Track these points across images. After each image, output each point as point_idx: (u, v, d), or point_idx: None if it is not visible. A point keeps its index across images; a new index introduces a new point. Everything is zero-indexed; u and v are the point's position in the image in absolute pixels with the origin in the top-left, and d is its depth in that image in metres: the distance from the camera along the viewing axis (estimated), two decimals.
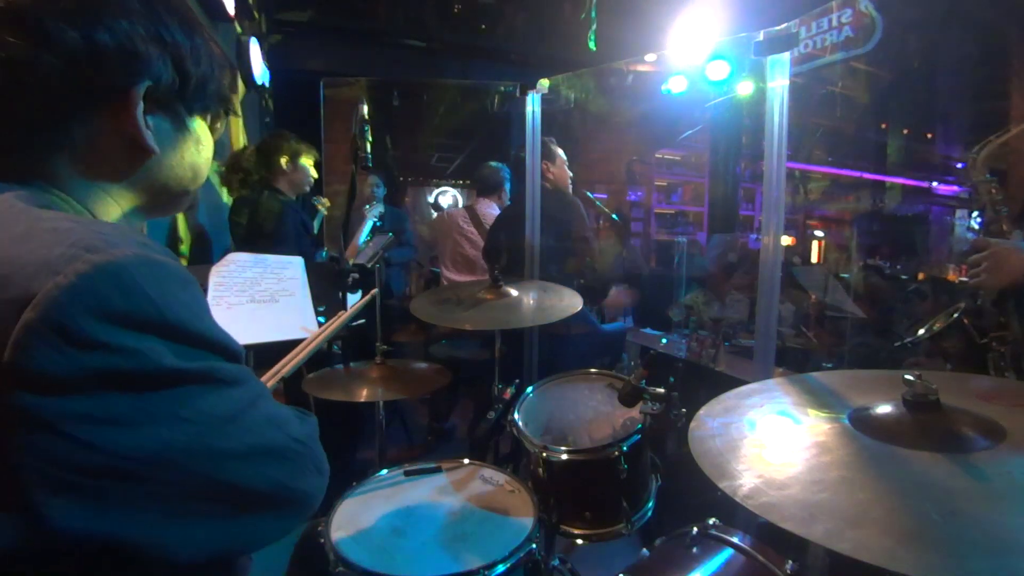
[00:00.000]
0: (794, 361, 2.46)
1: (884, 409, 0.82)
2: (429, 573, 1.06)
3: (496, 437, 1.81)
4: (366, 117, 1.98)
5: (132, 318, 0.44)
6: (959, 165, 4.96)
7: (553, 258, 2.48)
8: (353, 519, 1.21)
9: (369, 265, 2.21)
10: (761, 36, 1.65)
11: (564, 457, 1.36)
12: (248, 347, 1.43)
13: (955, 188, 5.15)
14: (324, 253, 2.75)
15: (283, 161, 2.36)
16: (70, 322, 0.41)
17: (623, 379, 1.33)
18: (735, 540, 1.22)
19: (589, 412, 1.52)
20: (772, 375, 1.68)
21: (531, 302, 1.79)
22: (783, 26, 1.72)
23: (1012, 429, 0.75)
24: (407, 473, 1.40)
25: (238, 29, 3.17)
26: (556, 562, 1.43)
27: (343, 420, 2.37)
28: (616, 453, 1.32)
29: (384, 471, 1.41)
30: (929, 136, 5.29)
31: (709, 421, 0.90)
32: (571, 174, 2.71)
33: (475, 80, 4.83)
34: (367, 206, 3.28)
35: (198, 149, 0.64)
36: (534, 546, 1.16)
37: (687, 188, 5.93)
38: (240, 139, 3.19)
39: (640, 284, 3.32)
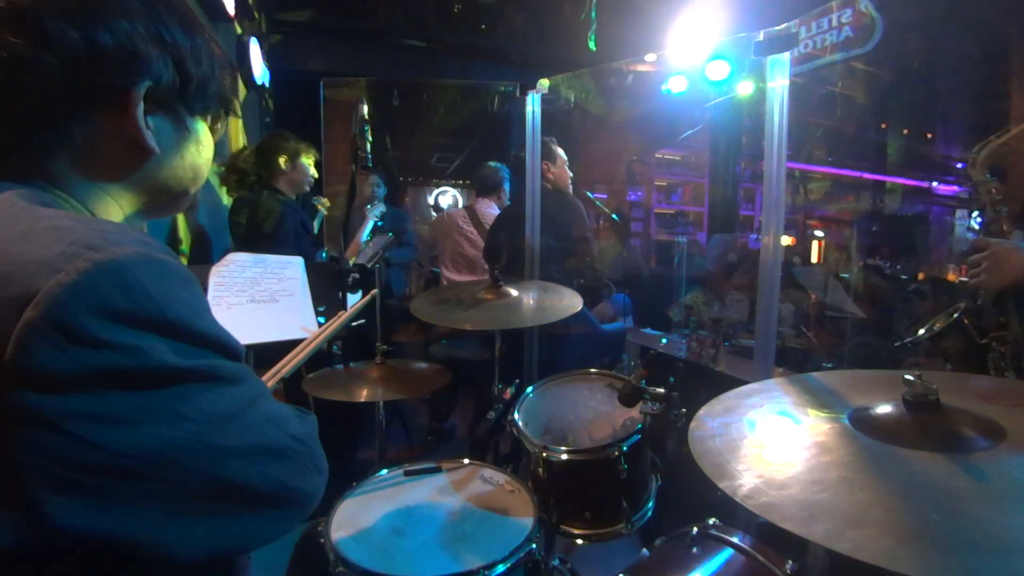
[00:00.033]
0: (794, 361, 2.46)
1: (884, 409, 0.82)
2: (429, 573, 1.06)
3: (496, 437, 1.81)
4: (366, 117, 1.98)
5: (133, 316, 0.44)
6: (959, 165, 4.96)
7: (553, 258, 2.48)
8: (353, 519, 1.21)
9: (369, 265, 2.21)
10: (761, 36, 1.65)
11: (564, 457, 1.36)
12: (248, 347, 1.44)
13: (955, 188, 5.15)
14: (324, 253, 2.75)
15: (282, 161, 2.36)
16: (72, 320, 0.41)
17: (623, 379, 1.33)
18: (735, 540, 1.22)
19: (589, 412, 1.52)
20: (772, 375, 1.68)
21: (531, 302, 1.79)
22: (783, 26, 1.72)
23: (1012, 429, 0.75)
24: (407, 473, 1.40)
25: (238, 29, 3.17)
26: (556, 562, 1.43)
27: (343, 420, 2.37)
28: (616, 453, 1.32)
29: (384, 471, 1.41)
30: (929, 136, 5.29)
31: (709, 421, 0.90)
32: (571, 174, 2.71)
33: (475, 80, 4.83)
34: (368, 206, 3.28)
35: (198, 149, 0.64)
36: (534, 546, 1.16)
37: (687, 188, 5.93)
38: (240, 139, 3.19)
39: (640, 284, 3.32)
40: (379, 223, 3.15)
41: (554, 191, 2.58)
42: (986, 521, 0.60)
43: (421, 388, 1.81)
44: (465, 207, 3.50)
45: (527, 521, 1.20)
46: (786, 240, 4.10)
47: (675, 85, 2.85)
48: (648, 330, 3.09)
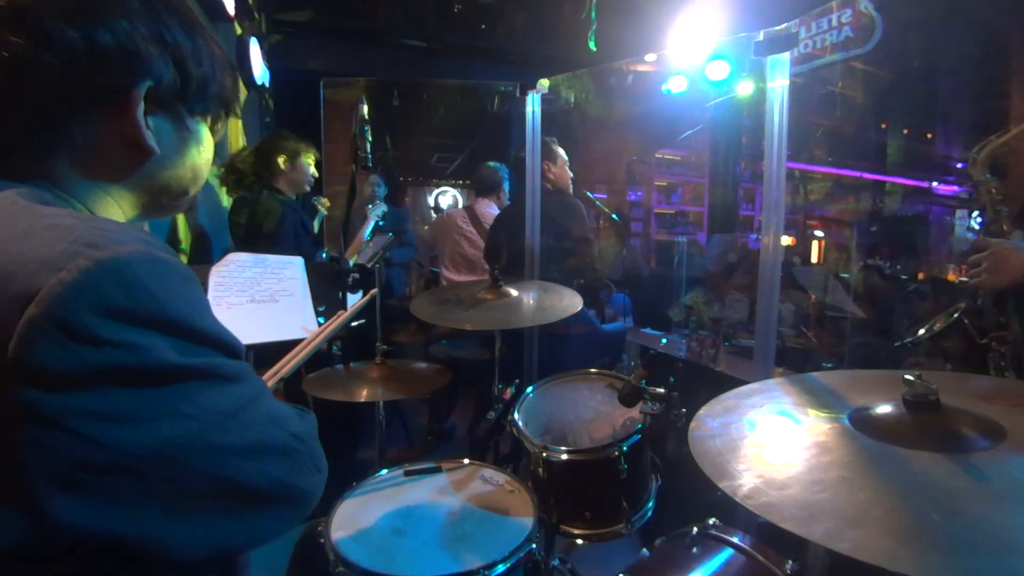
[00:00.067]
0: (794, 361, 2.46)
1: (884, 409, 0.82)
2: (429, 573, 1.06)
3: (496, 437, 1.81)
4: (366, 117, 1.98)
5: (135, 314, 0.44)
6: (959, 165, 4.96)
7: (553, 258, 2.48)
8: (353, 519, 1.21)
9: (369, 265, 2.21)
10: (761, 36, 1.65)
11: (564, 457, 1.36)
12: (248, 347, 1.44)
13: (955, 188, 5.15)
14: (324, 253, 2.75)
15: (281, 160, 2.36)
16: (74, 318, 0.41)
17: (623, 379, 1.33)
18: (735, 540, 1.22)
19: (589, 412, 1.52)
20: (772, 375, 1.68)
21: (531, 302, 1.79)
22: (783, 26, 1.72)
23: (1012, 429, 0.75)
24: (407, 473, 1.40)
25: (238, 29, 3.17)
26: (556, 562, 1.43)
27: (343, 420, 2.37)
28: (616, 453, 1.32)
29: (384, 471, 1.41)
30: (929, 136, 5.29)
31: (709, 421, 0.90)
32: (571, 174, 2.71)
33: (475, 80, 4.83)
34: (370, 205, 3.28)
35: (199, 150, 0.64)
36: (534, 546, 1.16)
37: (687, 188, 5.92)
38: (239, 140, 3.19)
39: (640, 284, 3.32)
40: (380, 223, 3.16)
41: (554, 191, 2.59)
42: (986, 521, 0.60)
43: (421, 388, 1.81)
44: (465, 207, 3.51)
45: (527, 521, 1.20)
46: (786, 240, 4.10)
47: (675, 85, 2.86)
48: (648, 330, 3.09)
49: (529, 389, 1.61)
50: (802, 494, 0.68)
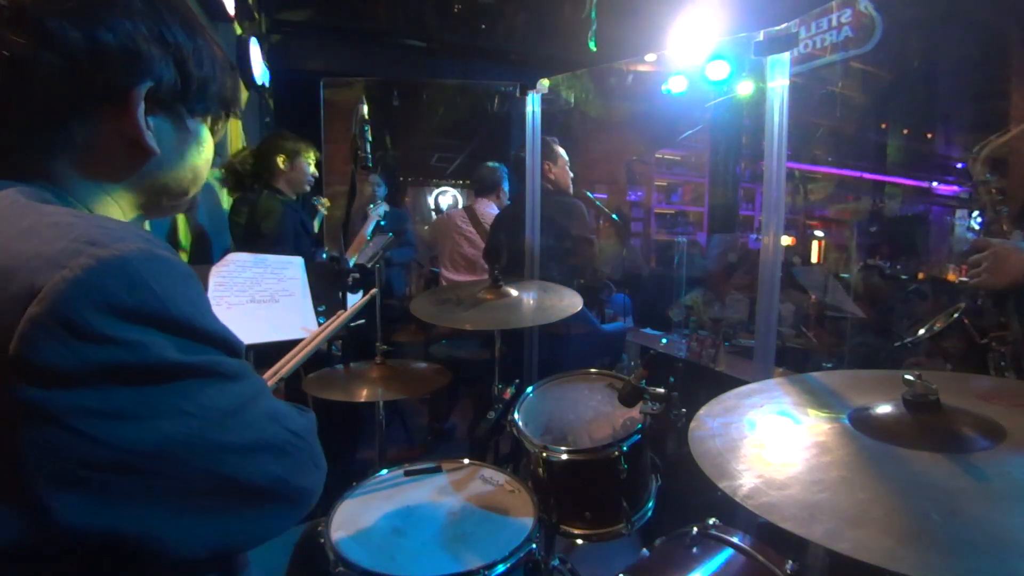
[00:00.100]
0: (794, 361, 2.46)
1: (884, 409, 0.82)
2: (429, 573, 1.06)
3: (496, 437, 1.81)
4: (366, 117, 1.98)
5: (136, 312, 0.44)
6: (959, 165, 4.95)
7: (554, 259, 2.48)
8: (353, 519, 1.21)
9: (369, 265, 2.21)
10: (761, 36, 1.65)
11: (564, 457, 1.36)
12: (248, 347, 1.44)
13: (955, 188, 5.14)
14: (324, 253, 2.75)
15: (281, 160, 2.36)
16: (76, 316, 0.41)
17: (623, 379, 1.33)
18: (735, 540, 1.22)
19: (589, 412, 1.52)
20: (772, 375, 1.68)
21: (531, 302, 1.79)
22: (783, 26, 1.72)
23: (1012, 429, 0.75)
24: (407, 473, 1.40)
25: (238, 29, 3.17)
26: (556, 562, 1.43)
27: (343, 420, 2.37)
28: (616, 453, 1.32)
29: (384, 471, 1.41)
30: (929, 136, 5.29)
31: (709, 421, 0.90)
32: (571, 174, 2.71)
33: (475, 80, 4.83)
34: (371, 205, 3.28)
35: (198, 150, 0.64)
36: (534, 546, 1.16)
37: (687, 188, 5.92)
38: (239, 140, 3.19)
39: (640, 284, 3.32)
40: (382, 223, 3.16)
41: (555, 191, 2.59)
42: (986, 521, 0.60)
43: (421, 388, 1.81)
44: (464, 207, 3.51)
45: (527, 521, 1.20)
46: (786, 240, 4.10)
47: (675, 85, 2.86)
48: (648, 330, 3.09)
49: (529, 389, 1.61)
50: (802, 494, 0.68)
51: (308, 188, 2.51)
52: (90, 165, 0.56)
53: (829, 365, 2.44)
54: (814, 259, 4.37)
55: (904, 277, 3.07)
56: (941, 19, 3.26)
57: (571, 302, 1.76)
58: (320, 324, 1.41)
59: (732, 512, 1.29)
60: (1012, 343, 1.30)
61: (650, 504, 1.42)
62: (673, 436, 1.32)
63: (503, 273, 1.83)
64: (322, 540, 1.13)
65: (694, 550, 1.23)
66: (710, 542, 1.24)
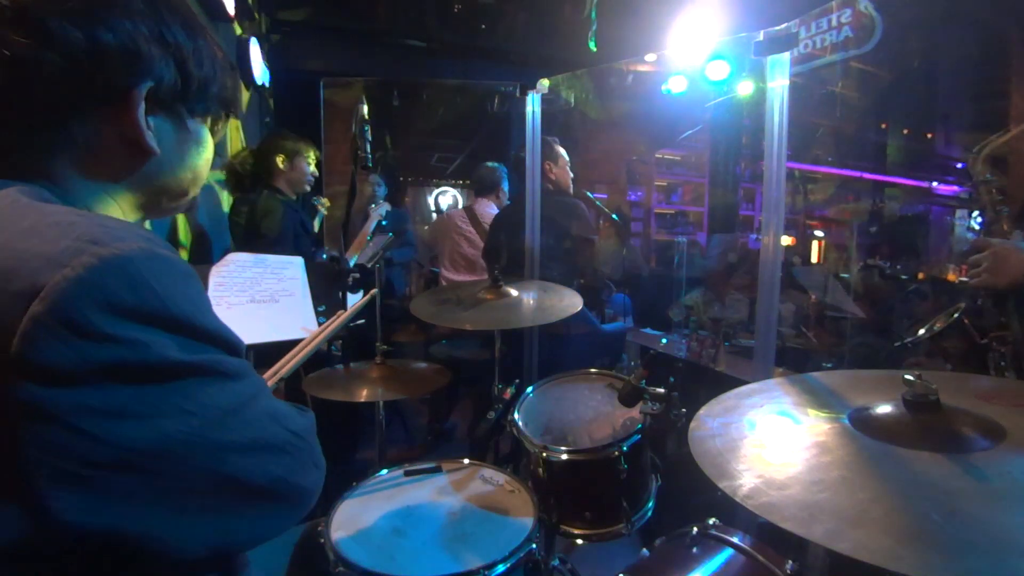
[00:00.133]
0: (794, 361, 2.46)
1: (884, 409, 0.82)
2: (429, 573, 1.06)
3: (496, 437, 1.81)
4: (366, 117, 1.98)
5: (138, 311, 0.44)
6: (959, 165, 4.95)
7: (555, 259, 2.48)
8: (353, 519, 1.21)
9: (369, 265, 2.21)
10: (761, 36, 1.65)
11: (564, 457, 1.36)
12: (248, 347, 1.44)
13: (955, 188, 5.14)
14: (324, 253, 2.75)
15: (280, 160, 2.36)
16: (78, 315, 0.41)
17: (623, 379, 1.33)
18: (735, 540, 1.22)
19: (589, 412, 1.52)
20: (772, 375, 1.68)
21: (531, 302, 1.79)
22: (783, 26, 1.72)
23: (1012, 429, 0.75)
24: (407, 473, 1.40)
25: (238, 29, 3.17)
26: (556, 562, 1.43)
27: (343, 420, 2.37)
28: (616, 453, 1.32)
29: (384, 471, 1.41)
30: (929, 136, 5.29)
31: (709, 421, 0.90)
32: (572, 175, 2.71)
33: (475, 80, 4.83)
34: (372, 205, 3.28)
35: (198, 151, 0.64)
36: (534, 546, 1.16)
37: (687, 188, 5.92)
38: (239, 140, 3.19)
39: (640, 284, 3.32)
40: (384, 223, 3.16)
41: (555, 191, 2.59)
42: (986, 521, 0.60)
43: (421, 388, 1.81)
44: (464, 207, 3.51)
45: (527, 521, 1.20)
46: (786, 240, 4.10)
47: (675, 85, 2.86)
48: (648, 330, 3.09)
49: (529, 389, 1.61)
50: (802, 494, 0.68)
51: (308, 188, 2.51)
52: (90, 165, 0.56)
53: (829, 365, 2.44)
54: (814, 259, 4.37)
55: (904, 277, 3.07)
56: (941, 19, 3.26)
57: (571, 302, 1.76)
58: (320, 324, 1.41)
59: (732, 512, 1.30)
60: (1012, 343, 1.30)
61: (650, 504, 1.42)
62: (673, 436, 1.32)
63: (503, 273, 1.83)
64: (322, 540, 1.13)
65: (694, 550, 1.23)
66: (710, 542, 1.24)
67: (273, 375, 0.94)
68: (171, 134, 0.60)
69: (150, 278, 0.45)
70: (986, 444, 0.73)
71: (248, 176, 2.34)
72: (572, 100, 3.67)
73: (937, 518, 0.61)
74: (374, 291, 1.65)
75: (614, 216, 3.48)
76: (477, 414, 2.78)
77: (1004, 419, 0.77)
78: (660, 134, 5.31)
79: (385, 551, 1.11)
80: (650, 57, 3.13)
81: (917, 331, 1.65)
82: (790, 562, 1.14)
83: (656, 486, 1.46)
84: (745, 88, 2.80)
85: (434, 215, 5.82)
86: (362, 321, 1.90)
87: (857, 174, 5.28)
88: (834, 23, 2.07)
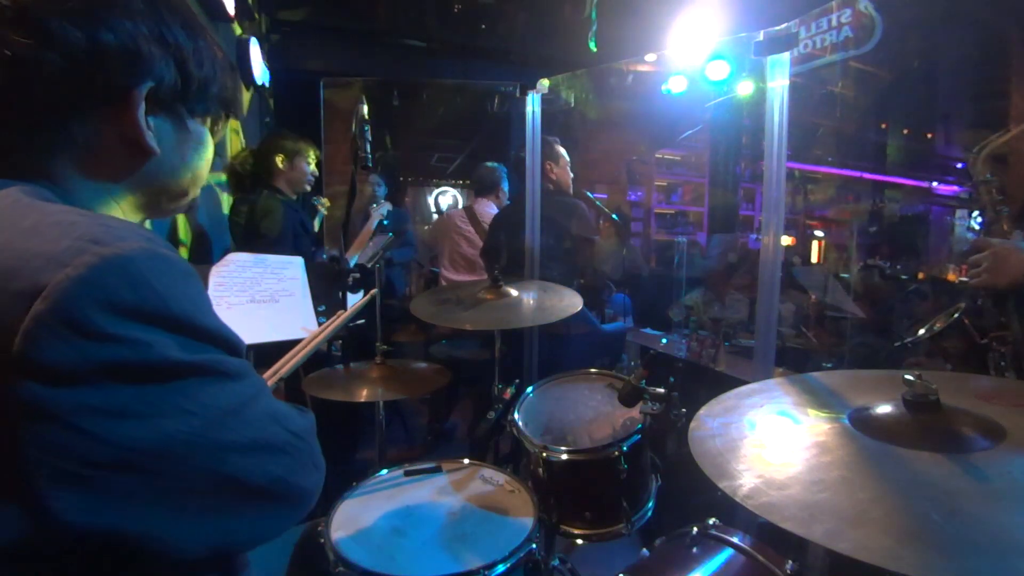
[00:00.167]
0: (794, 361, 2.46)
1: (884, 409, 0.82)
2: (429, 573, 1.06)
3: (496, 437, 1.81)
4: (366, 117, 1.98)
5: (139, 310, 0.44)
6: (959, 165, 4.95)
7: (555, 259, 2.48)
8: (353, 519, 1.21)
9: (369, 265, 2.21)
10: (761, 36, 1.65)
11: (564, 457, 1.36)
12: (248, 347, 1.44)
13: (955, 188, 5.14)
14: (324, 253, 2.75)
15: (279, 160, 2.36)
16: (79, 314, 0.41)
17: (623, 379, 1.33)
18: (735, 540, 1.22)
19: (589, 412, 1.52)
20: (772, 375, 1.68)
21: (531, 302, 1.79)
22: (783, 26, 1.72)
23: (1012, 429, 0.75)
24: (407, 473, 1.40)
25: (238, 30, 3.17)
26: (556, 562, 1.43)
27: (343, 420, 2.37)
28: (616, 453, 1.32)
29: (384, 471, 1.41)
30: (929, 136, 5.29)
31: (709, 421, 0.90)
32: (571, 175, 2.71)
33: (475, 80, 4.83)
34: (374, 204, 3.28)
35: (198, 151, 0.64)
36: (534, 546, 1.16)
37: (687, 188, 5.92)
38: (239, 140, 3.19)
39: (640, 284, 3.32)
40: (385, 222, 3.16)
41: (556, 192, 2.59)
42: (986, 521, 0.60)
43: (421, 388, 1.81)
44: (464, 207, 3.51)
45: (527, 521, 1.20)
46: (786, 240, 4.10)
47: (675, 85, 2.86)
48: (648, 330, 3.09)
49: (529, 389, 1.61)
50: (802, 494, 0.68)
51: (308, 188, 2.51)
52: (91, 165, 0.56)
53: (829, 365, 2.44)
54: (814, 259, 4.38)
55: (904, 277, 3.08)
56: (941, 19, 3.26)
57: (571, 302, 1.76)
58: (320, 324, 1.41)
59: (732, 512, 1.30)
60: (1012, 343, 1.30)
61: (650, 504, 1.42)
62: (673, 436, 1.32)
63: (503, 273, 1.83)
64: (322, 540, 1.13)
65: (694, 550, 1.23)
66: (710, 542, 1.24)
67: (273, 375, 0.94)
68: (171, 134, 0.60)
69: (151, 278, 0.45)
70: (986, 444, 0.73)
71: (248, 176, 2.33)
72: (572, 100, 3.68)
73: (937, 518, 0.61)
74: (374, 291, 1.65)
75: (614, 216, 3.48)
76: (477, 414, 2.78)
77: (1004, 419, 0.77)
78: (660, 134, 5.31)
79: (385, 551, 1.11)
80: (650, 57, 3.13)
81: (917, 331, 1.65)
82: (790, 562, 1.14)
83: (656, 486, 1.46)
84: (745, 88, 2.80)
85: (434, 215, 5.82)
86: (362, 321, 1.90)
87: (857, 174, 5.28)
88: (834, 23, 2.07)
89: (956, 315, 1.51)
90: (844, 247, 4.16)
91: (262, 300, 1.63)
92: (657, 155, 5.75)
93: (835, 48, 2.08)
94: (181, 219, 2.27)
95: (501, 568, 1.08)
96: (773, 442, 0.82)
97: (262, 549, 0.54)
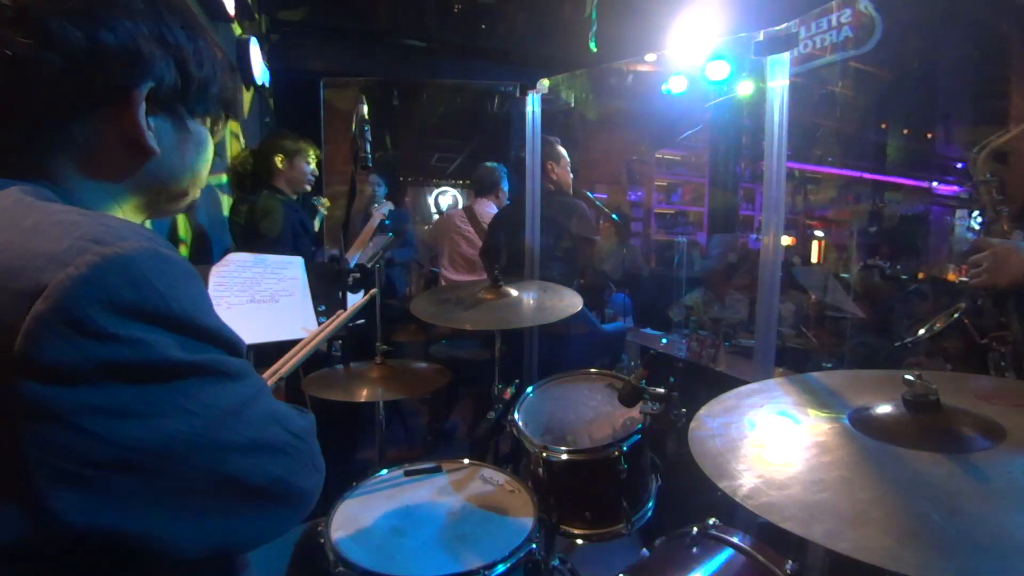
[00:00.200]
0: (794, 361, 2.46)
1: (884, 409, 0.82)
2: (429, 573, 1.06)
3: (496, 437, 1.81)
4: (366, 117, 1.98)
5: (140, 310, 0.44)
6: (959, 165, 4.95)
7: (555, 259, 2.48)
8: (353, 519, 1.21)
9: (369, 265, 2.21)
10: (761, 36, 1.65)
11: (564, 457, 1.36)
12: (248, 347, 1.44)
13: (955, 188, 5.14)
14: (324, 253, 2.75)
15: (279, 160, 2.36)
16: (81, 313, 0.41)
17: (623, 379, 1.33)
18: (735, 540, 1.22)
19: (589, 412, 1.52)
20: (772, 375, 1.68)
21: (531, 302, 1.79)
22: (783, 26, 1.72)
23: (1012, 429, 0.75)
24: (407, 473, 1.40)
25: (238, 30, 3.17)
26: (556, 562, 1.43)
27: (343, 420, 2.37)
28: (616, 453, 1.32)
29: (384, 471, 1.41)
30: (929, 136, 5.29)
31: (709, 421, 0.90)
32: (571, 175, 2.71)
33: (475, 80, 4.83)
34: (375, 204, 3.29)
35: (198, 151, 0.64)
36: (534, 546, 1.16)
37: (687, 188, 5.92)
38: (239, 140, 3.19)
39: (640, 284, 3.33)
40: (387, 222, 3.16)
41: (556, 191, 2.59)
42: (986, 521, 0.60)
43: (421, 388, 1.81)
44: (464, 207, 3.51)
45: (527, 521, 1.21)
46: (786, 240, 4.11)
47: (675, 85, 2.86)
48: (648, 330, 3.09)
49: (529, 389, 1.61)
50: (802, 494, 0.68)
51: (308, 187, 2.51)
52: (91, 165, 0.56)
53: (829, 365, 2.44)
54: (814, 259, 4.38)
55: (904, 277, 3.07)
56: (941, 19, 3.26)
57: (571, 302, 1.76)
58: (320, 324, 1.41)
59: (732, 512, 1.29)
60: (1012, 343, 1.30)
61: (650, 504, 1.42)
62: (673, 436, 1.32)
63: (503, 273, 1.83)
64: (322, 540, 1.13)
65: (694, 550, 1.23)
66: (710, 542, 1.24)
67: (273, 375, 0.94)
68: (171, 134, 0.60)
69: (152, 277, 0.45)
70: (986, 444, 0.73)
71: (248, 176, 2.34)
72: (572, 100, 3.68)
73: (937, 518, 0.61)
74: (374, 291, 1.65)
75: (614, 216, 3.48)
76: (477, 414, 2.78)
77: (1004, 419, 0.77)
78: (660, 134, 5.31)
79: (385, 551, 1.11)
80: (650, 57, 3.13)
81: (917, 331, 1.65)
82: (790, 562, 1.14)
83: (656, 486, 1.46)
84: (745, 88, 2.80)
85: (434, 215, 5.82)
86: (362, 321, 1.90)
87: (857, 174, 5.28)
88: (834, 23, 2.07)
89: (956, 315, 1.51)
90: (844, 247, 4.16)
91: (262, 300, 1.63)
92: (657, 155, 5.75)
93: (835, 48, 2.07)
94: (181, 219, 2.27)
95: (501, 568, 1.08)
96: (773, 442, 0.82)
97: (262, 549, 0.54)
